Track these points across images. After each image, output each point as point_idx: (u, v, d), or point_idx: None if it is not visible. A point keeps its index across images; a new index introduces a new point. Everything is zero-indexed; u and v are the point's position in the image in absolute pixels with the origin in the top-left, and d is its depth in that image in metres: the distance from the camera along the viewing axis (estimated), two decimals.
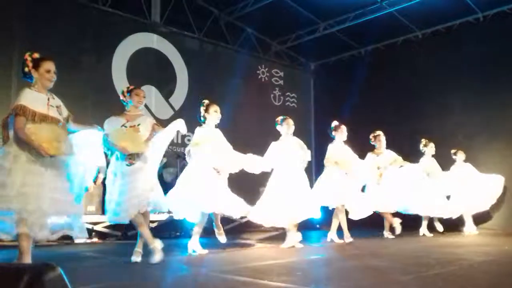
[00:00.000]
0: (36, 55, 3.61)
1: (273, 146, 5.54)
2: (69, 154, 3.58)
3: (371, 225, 6.90)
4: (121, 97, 4.41)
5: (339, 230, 6.04)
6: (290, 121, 5.71)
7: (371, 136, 7.04)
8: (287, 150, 5.51)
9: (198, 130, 4.91)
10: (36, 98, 3.50)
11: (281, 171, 5.41)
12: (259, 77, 10.11)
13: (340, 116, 9.42)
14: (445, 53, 8.87)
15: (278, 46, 10.52)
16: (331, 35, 9.58)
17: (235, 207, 4.82)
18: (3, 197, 3.26)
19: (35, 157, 3.38)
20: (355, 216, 6.11)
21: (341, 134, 6.24)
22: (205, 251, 4.74)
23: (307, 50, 10.45)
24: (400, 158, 7.00)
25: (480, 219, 7.69)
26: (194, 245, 4.71)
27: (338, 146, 6.19)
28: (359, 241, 6.24)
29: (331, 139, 6.29)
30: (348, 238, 5.90)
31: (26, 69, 3.56)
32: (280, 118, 5.81)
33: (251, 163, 4.98)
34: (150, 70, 8.24)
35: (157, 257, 4.01)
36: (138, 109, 4.38)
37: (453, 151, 7.78)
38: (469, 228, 7.41)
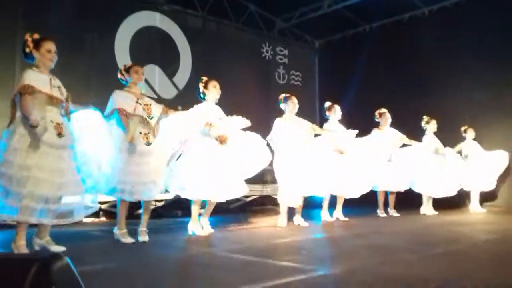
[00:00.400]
0: (37, 36, 3.61)
1: (279, 123, 5.49)
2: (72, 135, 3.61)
3: (363, 203, 6.89)
4: (119, 76, 4.35)
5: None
6: (294, 99, 5.65)
7: (376, 113, 6.99)
8: (293, 127, 5.47)
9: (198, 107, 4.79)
10: (39, 79, 3.52)
11: (290, 149, 5.36)
12: (263, 55, 10.01)
13: (345, 94, 9.46)
14: (452, 29, 8.71)
15: (282, 23, 10.37)
16: (336, 11, 9.41)
17: (235, 189, 4.76)
18: (7, 176, 3.31)
19: (40, 138, 3.39)
20: (351, 195, 6.16)
21: (334, 113, 6.24)
22: (206, 233, 4.63)
23: (312, 27, 10.31)
24: (405, 137, 7.00)
25: (485, 196, 7.71)
26: (194, 226, 4.65)
27: (333, 126, 6.21)
28: (363, 219, 6.30)
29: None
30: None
31: (27, 50, 3.57)
32: (283, 95, 5.75)
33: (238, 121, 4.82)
34: (153, 49, 8.16)
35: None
36: (137, 86, 4.32)
37: (463, 128, 7.75)
38: (475, 206, 7.44)
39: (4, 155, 3.37)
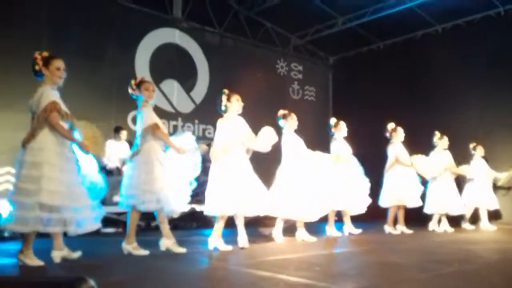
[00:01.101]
0: (46, 54, 3.73)
1: (287, 139, 5.48)
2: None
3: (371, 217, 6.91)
4: (130, 90, 4.31)
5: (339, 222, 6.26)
6: (294, 116, 5.57)
7: (388, 128, 6.90)
8: (298, 144, 5.48)
9: (220, 123, 4.78)
10: (56, 95, 3.69)
11: (293, 164, 5.37)
12: (278, 71, 10.17)
13: (357, 110, 9.53)
14: (465, 47, 8.77)
15: (297, 40, 10.54)
16: (350, 29, 9.56)
17: (254, 206, 4.76)
18: (29, 191, 3.45)
19: (58, 153, 3.59)
20: (356, 211, 6.23)
21: (340, 130, 6.30)
22: (229, 248, 4.61)
23: (326, 44, 10.46)
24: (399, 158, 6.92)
25: (497, 214, 7.71)
26: (216, 242, 4.65)
27: (340, 143, 6.26)
28: (373, 235, 6.31)
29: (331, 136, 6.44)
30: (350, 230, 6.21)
31: (37, 67, 3.68)
32: (282, 112, 5.62)
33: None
34: (172, 65, 8.39)
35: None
36: (149, 104, 4.35)
37: (472, 145, 7.74)
38: (485, 224, 7.43)
39: (29, 171, 3.50)
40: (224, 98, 4.77)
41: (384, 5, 8.67)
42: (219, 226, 4.65)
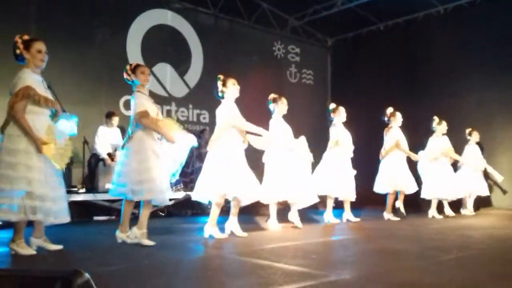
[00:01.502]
0: (27, 37, 3.59)
1: (275, 125, 5.34)
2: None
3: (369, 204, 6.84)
4: (125, 76, 4.18)
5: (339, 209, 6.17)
6: (285, 100, 5.43)
7: (387, 112, 6.78)
8: (285, 131, 5.36)
9: (224, 107, 4.64)
10: (35, 79, 3.53)
11: (281, 152, 5.27)
12: (275, 53, 9.98)
13: (356, 93, 9.39)
14: (467, 29, 8.59)
15: (294, 21, 10.31)
16: (350, 10, 9.32)
17: (252, 192, 4.69)
18: (11, 178, 3.35)
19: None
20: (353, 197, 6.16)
21: (339, 115, 6.18)
22: (224, 235, 4.56)
23: (325, 25, 10.23)
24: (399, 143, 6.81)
25: (495, 199, 7.72)
26: (212, 230, 4.57)
27: (339, 129, 6.17)
28: (372, 222, 6.25)
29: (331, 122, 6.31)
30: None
31: (18, 51, 3.55)
32: (272, 96, 5.48)
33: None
34: (164, 47, 8.19)
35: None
36: (146, 88, 4.22)
37: (468, 130, 7.66)
38: (469, 209, 7.47)
39: (8, 157, 3.40)
40: (219, 84, 4.65)
41: None
42: (214, 214, 4.56)
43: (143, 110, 3.99)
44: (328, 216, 6.10)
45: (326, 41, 11.08)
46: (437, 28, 9.09)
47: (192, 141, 4.26)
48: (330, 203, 6.13)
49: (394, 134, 6.61)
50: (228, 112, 4.59)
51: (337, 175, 5.98)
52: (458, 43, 8.66)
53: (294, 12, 10.10)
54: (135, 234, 4.03)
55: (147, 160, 3.97)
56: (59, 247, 3.69)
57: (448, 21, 8.99)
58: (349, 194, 6.12)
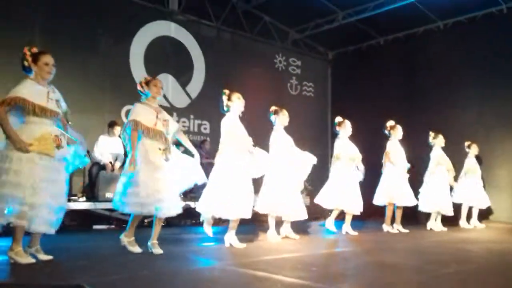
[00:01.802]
0: (35, 49, 3.66)
1: (276, 137, 5.40)
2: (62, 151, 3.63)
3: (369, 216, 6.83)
4: (139, 87, 4.30)
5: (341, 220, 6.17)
6: (286, 112, 5.50)
7: (387, 125, 6.79)
8: (287, 143, 5.41)
9: (226, 121, 4.71)
10: (37, 90, 3.57)
11: (281, 165, 5.30)
12: (276, 66, 10.06)
13: (356, 106, 9.43)
14: (466, 44, 8.69)
15: (296, 34, 10.41)
16: (350, 24, 9.43)
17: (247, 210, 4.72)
18: (7, 183, 3.37)
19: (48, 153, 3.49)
20: (357, 211, 6.15)
21: (345, 129, 6.21)
22: (243, 245, 4.63)
23: (326, 39, 10.34)
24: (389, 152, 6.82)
25: (495, 212, 7.74)
26: (232, 239, 4.66)
27: (345, 142, 6.19)
28: (371, 234, 6.25)
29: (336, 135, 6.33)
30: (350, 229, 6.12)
31: (26, 63, 3.62)
32: (274, 108, 5.56)
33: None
34: (167, 58, 8.27)
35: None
36: (156, 100, 4.31)
37: (467, 143, 7.69)
38: (475, 222, 7.50)
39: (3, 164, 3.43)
40: (225, 98, 4.76)
41: (385, 0, 8.55)
42: (234, 224, 4.64)
43: (133, 118, 4.06)
44: (329, 224, 6.11)
45: (327, 54, 11.17)
46: (437, 43, 9.19)
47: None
48: (335, 213, 6.15)
49: (388, 145, 6.64)
50: (232, 127, 4.67)
51: (342, 189, 5.98)
52: (457, 57, 8.75)
53: (296, 25, 10.21)
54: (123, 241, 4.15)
55: (138, 172, 3.99)
56: (49, 257, 3.65)
57: (448, 36, 9.09)
58: (353, 207, 6.09)
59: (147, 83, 4.26)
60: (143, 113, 4.11)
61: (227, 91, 4.78)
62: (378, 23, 9.40)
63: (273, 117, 5.49)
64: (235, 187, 4.54)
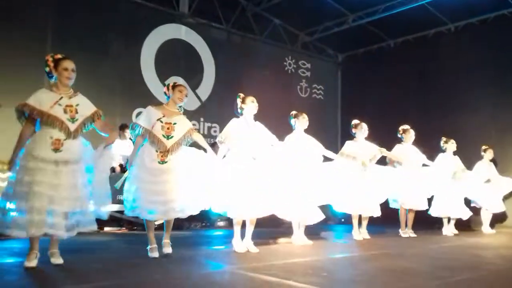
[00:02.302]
0: (58, 56, 3.74)
1: (294, 139, 5.48)
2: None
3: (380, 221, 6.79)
4: (165, 90, 4.42)
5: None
6: (305, 116, 5.65)
7: (400, 129, 6.81)
8: (302, 147, 5.47)
9: (231, 121, 4.82)
10: (45, 97, 3.63)
11: (293, 167, 5.33)
12: (286, 68, 10.06)
13: (366, 109, 9.40)
14: (478, 46, 8.63)
15: (305, 37, 10.40)
16: (360, 26, 9.41)
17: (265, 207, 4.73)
18: (18, 193, 3.43)
19: (38, 155, 3.52)
20: (370, 213, 6.11)
21: (361, 131, 6.21)
22: (256, 250, 4.63)
23: (335, 41, 10.33)
24: (424, 156, 6.85)
25: (503, 216, 7.69)
26: (238, 243, 4.67)
27: (356, 143, 6.19)
28: (382, 239, 6.21)
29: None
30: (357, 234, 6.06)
31: (47, 69, 3.71)
32: (294, 112, 5.74)
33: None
34: (177, 61, 8.31)
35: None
36: (176, 105, 4.36)
37: (483, 147, 7.60)
38: (486, 227, 7.42)
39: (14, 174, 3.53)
40: (239, 101, 4.86)
41: (396, 2, 8.52)
42: (237, 229, 4.66)
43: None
44: (355, 233, 6.07)
45: (336, 56, 11.15)
46: (448, 45, 9.13)
47: None
48: (354, 222, 6.12)
49: (393, 149, 6.61)
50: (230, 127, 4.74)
51: (355, 191, 5.93)
52: (469, 60, 8.68)
53: (305, 28, 10.20)
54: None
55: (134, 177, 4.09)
56: (59, 262, 3.64)
57: (459, 39, 9.03)
58: (364, 210, 6.06)
59: (174, 87, 4.36)
60: (146, 117, 4.21)
61: (242, 95, 4.88)
62: (389, 26, 9.36)
63: (293, 121, 5.64)
64: (237, 188, 4.54)
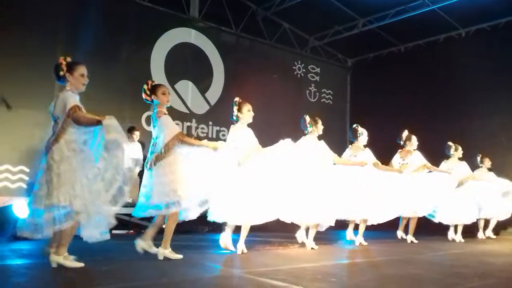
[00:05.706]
0: (69, 59, 3.74)
1: (309, 144, 5.47)
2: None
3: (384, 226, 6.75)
4: (144, 96, 4.24)
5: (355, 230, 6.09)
6: (320, 121, 5.65)
7: (403, 136, 6.77)
8: (311, 151, 5.44)
9: (242, 130, 4.80)
10: (78, 101, 3.67)
11: (302, 170, 5.27)
12: (295, 72, 10.05)
13: (375, 114, 9.35)
14: (489, 52, 8.55)
15: (315, 41, 10.40)
16: (370, 31, 9.39)
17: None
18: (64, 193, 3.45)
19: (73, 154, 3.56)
20: (376, 220, 6.08)
21: (361, 137, 6.20)
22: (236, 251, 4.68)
23: (345, 46, 10.31)
24: (427, 163, 6.77)
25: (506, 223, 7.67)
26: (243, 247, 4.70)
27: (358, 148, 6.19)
28: (389, 245, 6.16)
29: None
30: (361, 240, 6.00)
31: (61, 73, 3.68)
32: (310, 118, 5.65)
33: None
34: (187, 65, 8.34)
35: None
36: (164, 107, 4.30)
37: (479, 157, 7.63)
38: (488, 232, 7.49)
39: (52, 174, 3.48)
40: (235, 108, 4.81)
41: (407, 7, 8.48)
42: (245, 232, 4.70)
43: (179, 131, 4.22)
44: (359, 239, 6.02)
45: (346, 61, 11.12)
46: (459, 50, 9.08)
47: None
48: (352, 223, 6.10)
49: (414, 157, 6.56)
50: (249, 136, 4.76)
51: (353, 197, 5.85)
52: (480, 65, 8.60)
53: (315, 32, 10.20)
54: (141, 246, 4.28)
55: (184, 177, 4.22)
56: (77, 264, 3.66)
57: (470, 44, 8.97)
58: (366, 215, 6.01)
59: (153, 90, 4.23)
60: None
61: (237, 100, 4.80)
62: (399, 31, 9.32)
63: (308, 124, 5.59)
64: (247, 192, 4.56)
